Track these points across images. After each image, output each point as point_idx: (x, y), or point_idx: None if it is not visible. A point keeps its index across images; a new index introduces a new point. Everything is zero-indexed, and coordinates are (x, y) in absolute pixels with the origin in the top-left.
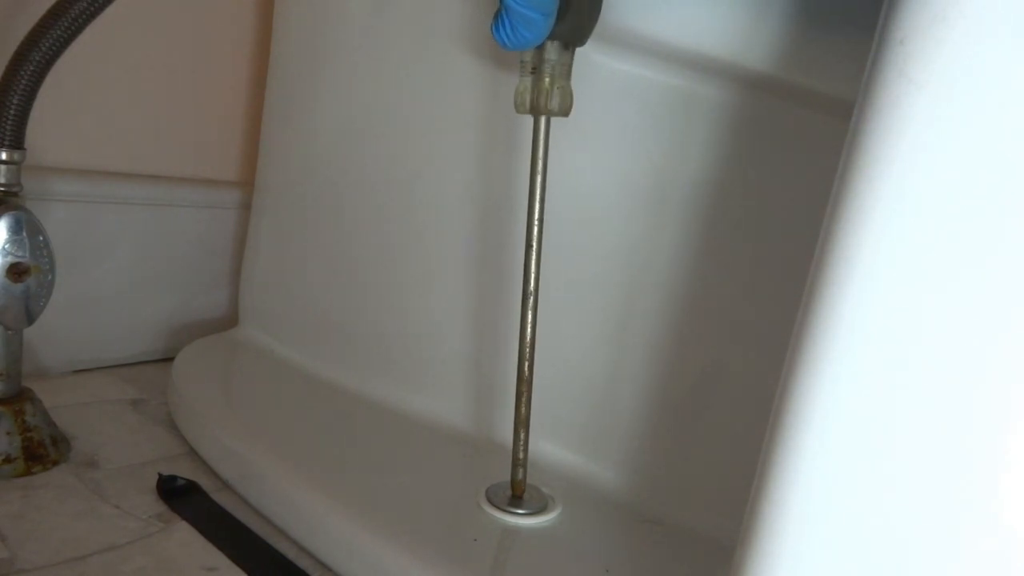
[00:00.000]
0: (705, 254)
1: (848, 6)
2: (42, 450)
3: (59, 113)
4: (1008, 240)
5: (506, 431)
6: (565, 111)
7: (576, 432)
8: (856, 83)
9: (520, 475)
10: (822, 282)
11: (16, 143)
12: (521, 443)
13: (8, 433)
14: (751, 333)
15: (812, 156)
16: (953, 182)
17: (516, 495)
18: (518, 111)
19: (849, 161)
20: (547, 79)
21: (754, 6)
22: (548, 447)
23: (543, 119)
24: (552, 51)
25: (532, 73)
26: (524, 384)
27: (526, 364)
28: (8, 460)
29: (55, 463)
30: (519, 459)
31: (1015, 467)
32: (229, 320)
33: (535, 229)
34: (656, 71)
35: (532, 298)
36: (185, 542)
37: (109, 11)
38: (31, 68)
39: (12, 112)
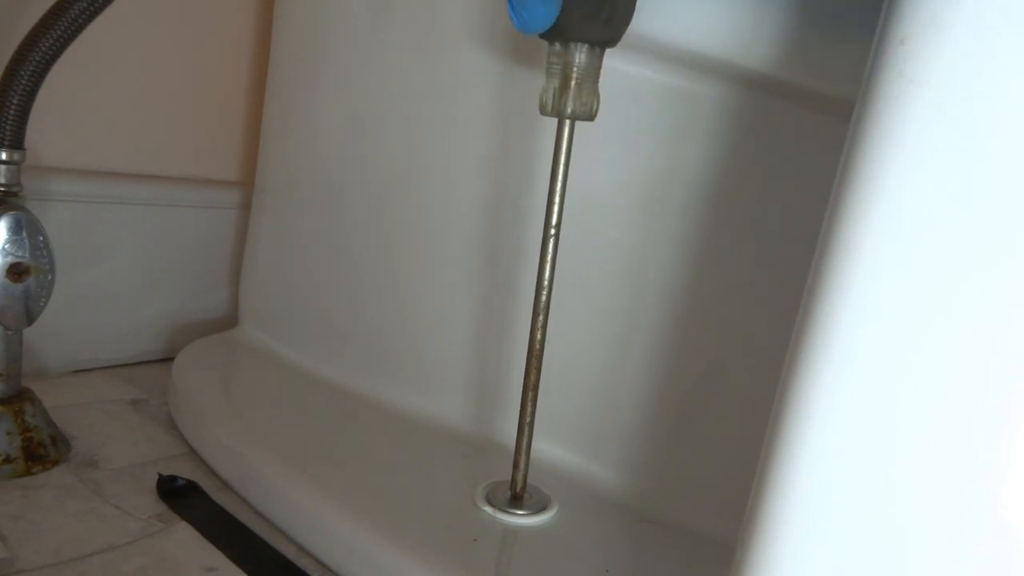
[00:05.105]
0: (705, 254)
1: (848, 6)
2: (42, 450)
3: (59, 113)
4: (1008, 239)
5: (506, 431)
6: (591, 115)
7: (576, 432)
8: (856, 83)
9: (520, 475)
10: (822, 282)
11: (16, 143)
12: (523, 444)
13: (8, 433)
14: (751, 333)
15: (812, 156)
16: (953, 182)
17: (516, 495)
18: (542, 113)
19: (849, 161)
20: (574, 82)
21: (754, 6)
22: (548, 447)
23: (567, 123)
24: (580, 53)
25: (559, 75)
26: (530, 387)
27: (533, 368)
28: (8, 460)
29: (55, 463)
30: (519, 459)
31: (1017, 469)
32: (229, 320)
33: (551, 241)
34: (656, 71)
35: (543, 314)
36: (185, 542)
37: (109, 11)
38: (31, 68)
39: (12, 112)
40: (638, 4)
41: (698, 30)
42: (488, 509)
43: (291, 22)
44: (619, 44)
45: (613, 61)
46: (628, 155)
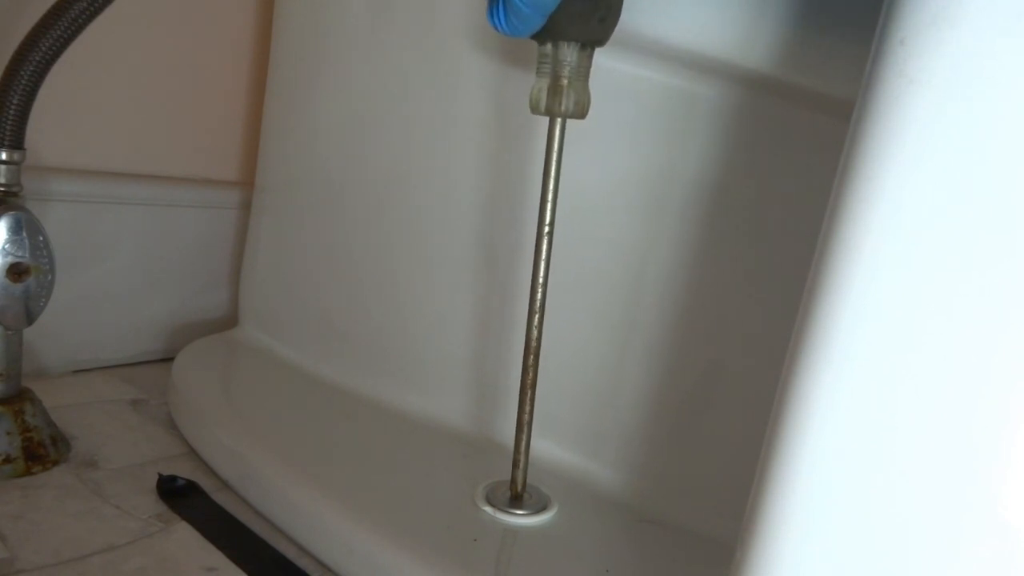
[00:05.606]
0: (705, 254)
1: (848, 6)
2: (42, 450)
3: (59, 113)
4: (1008, 239)
5: (506, 431)
6: (581, 113)
7: (575, 432)
8: (856, 83)
9: (520, 475)
10: (822, 282)
11: (16, 143)
12: (522, 444)
13: (8, 433)
14: (751, 333)
15: (812, 156)
16: (953, 182)
17: (516, 495)
18: (533, 112)
19: (849, 161)
20: (564, 80)
21: (754, 6)
22: (547, 447)
23: (559, 121)
24: (570, 52)
25: (549, 74)
26: (528, 387)
27: (530, 367)
28: (8, 460)
29: (55, 463)
30: (519, 459)
31: (1017, 469)
32: (229, 320)
33: (544, 240)
34: (656, 71)
35: (539, 313)
36: (185, 542)
37: (109, 11)
38: (31, 68)
39: (12, 112)
40: (638, 4)
41: (697, 30)
42: (488, 509)
43: (291, 22)
44: (618, 43)
45: (612, 60)
46: (627, 155)
